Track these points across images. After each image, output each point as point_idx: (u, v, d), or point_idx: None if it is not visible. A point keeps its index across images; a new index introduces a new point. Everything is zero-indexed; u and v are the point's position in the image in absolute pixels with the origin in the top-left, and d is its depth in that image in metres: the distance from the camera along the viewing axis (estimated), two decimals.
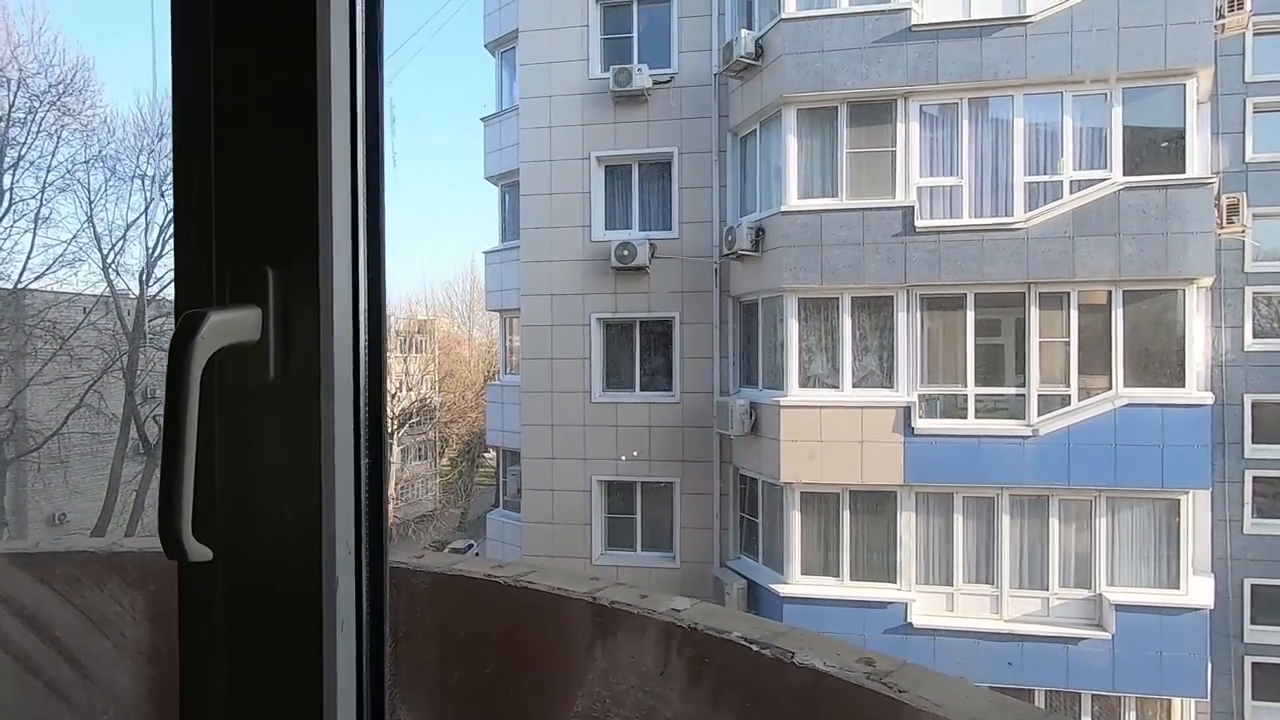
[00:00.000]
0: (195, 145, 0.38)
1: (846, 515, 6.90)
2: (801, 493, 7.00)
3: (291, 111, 0.36)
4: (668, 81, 7.72)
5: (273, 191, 0.37)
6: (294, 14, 0.36)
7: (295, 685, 0.37)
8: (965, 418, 6.74)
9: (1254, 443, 8.59)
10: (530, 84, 8.02)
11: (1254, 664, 8.42)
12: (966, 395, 6.74)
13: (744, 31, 7.11)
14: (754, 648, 0.94)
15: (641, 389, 7.99)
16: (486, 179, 9.03)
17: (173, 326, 0.34)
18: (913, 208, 6.66)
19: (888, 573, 6.80)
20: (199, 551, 0.33)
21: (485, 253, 9.33)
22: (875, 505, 6.91)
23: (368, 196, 0.40)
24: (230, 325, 0.34)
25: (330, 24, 0.37)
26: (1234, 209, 7.20)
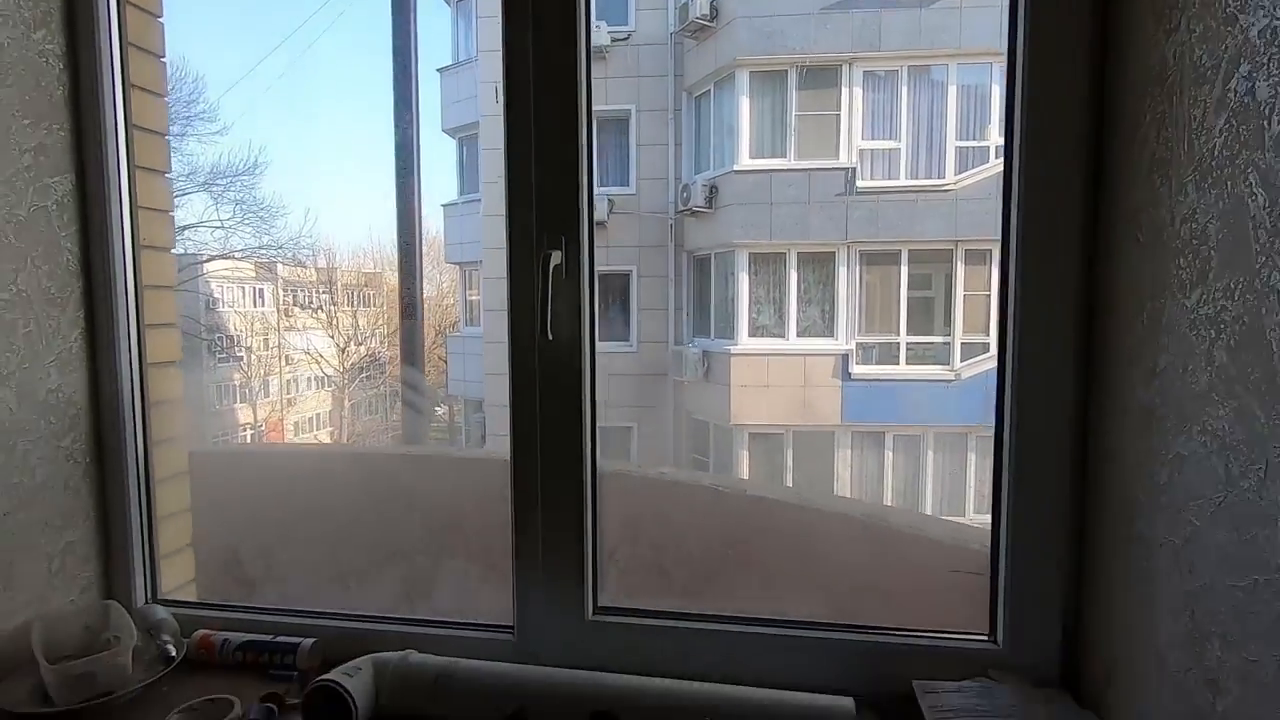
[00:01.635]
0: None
1: (789, 455, 7.71)
2: (750, 434, 7.75)
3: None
4: (625, 39, 8.03)
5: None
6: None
7: None
8: (897, 364, 7.57)
9: None
10: (490, 36, 8.19)
11: None
12: (899, 343, 7.56)
13: None
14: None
15: (600, 339, 8.52)
16: (444, 131, 9.19)
17: None
18: (855, 169, 7.30)
19: None
20: None
21: (444, 206, 9.55)
22: (815, 444, 7.72)
23: None
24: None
25: None
26: None
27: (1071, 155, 0.80)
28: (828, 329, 7.64)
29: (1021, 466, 0.84)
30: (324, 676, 0.84)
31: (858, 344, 7.57)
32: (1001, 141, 0.84)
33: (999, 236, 0.85)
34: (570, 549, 0.94)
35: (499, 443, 8.55)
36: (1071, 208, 0.80)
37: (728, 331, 7.82)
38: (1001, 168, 0.84)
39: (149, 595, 1.08)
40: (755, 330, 7.77)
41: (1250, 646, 0.57)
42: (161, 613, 1.02)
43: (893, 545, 1.30)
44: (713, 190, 7.72)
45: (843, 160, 7.38)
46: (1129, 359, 0.76)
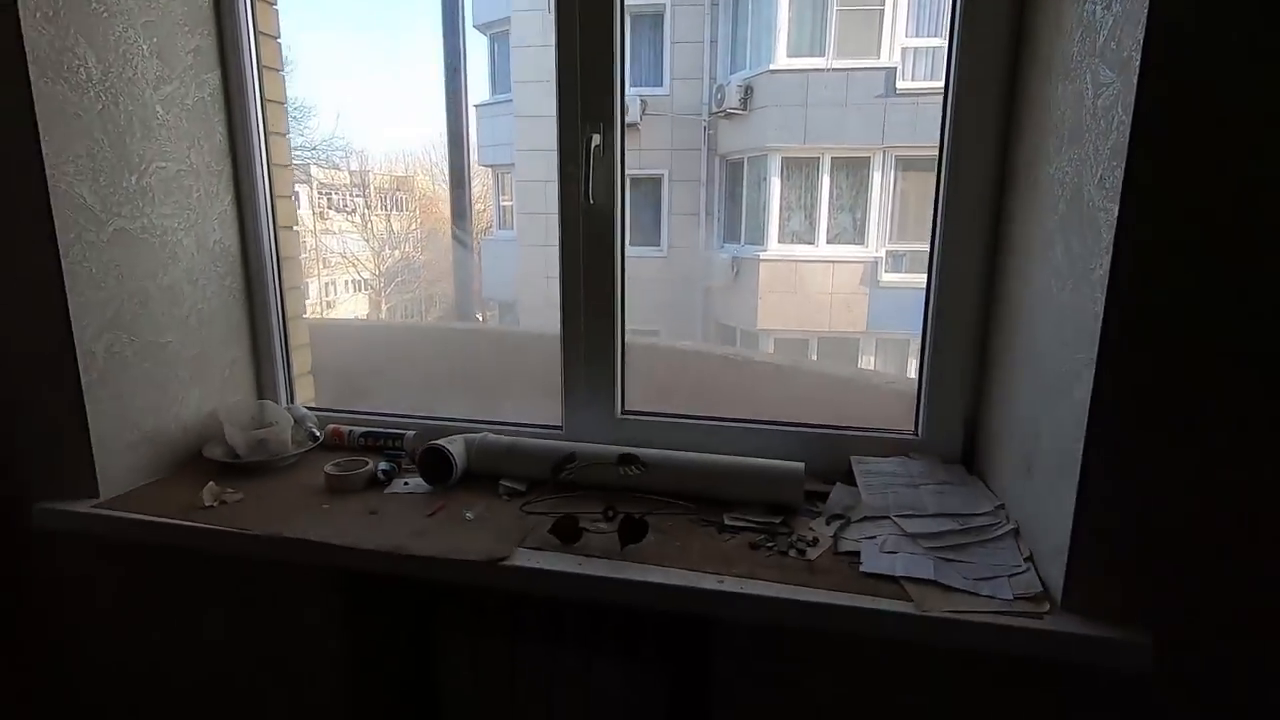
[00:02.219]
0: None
1: (813, 359, 7.99)
2: (775, 339, 8.03)
3: None
4: None
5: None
6: None
7: None
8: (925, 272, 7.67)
9: None
10: None
11: None
12: (929, 252, 7.63)
13: None
14: None
15: (631, 244, 8.72)
16: (475, 27, 9.10)
17: None
18: (896, 69, 7.13)
19: None
20: None
21: (476, 106, 9.58)
22: (839, 350, 7.98)
23: None
24: None
25: None
26: None
27: (996, 61, 1.03)
28: (859, 236, 7.71)
29: (941, 308, 1.13)
30: (432, 442, 1.20)
31: (887, 251, 7.64)
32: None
33: (941, 134, 1.10)
34: (605, 366, 1.27)
35: None
36: (996, 105, 1.05)
37: (758, 237, 7.94)
38: None
39: (289, 400, 1.46)
40: (785, 236, 7.87)
41: (1046, 438, 0.88)
42: (303, 410, 1.40)
43: (864, 391, 1.60)
44: (748, 91, 7.64)
45: (884, 59, 7.20)
46: (1015, 215, 1.02)
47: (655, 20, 8.07)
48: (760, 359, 1.93)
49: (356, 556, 1.00)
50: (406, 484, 1.21)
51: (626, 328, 1.31)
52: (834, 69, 7.28)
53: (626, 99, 1.22)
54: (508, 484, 1.20)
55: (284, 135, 1.44)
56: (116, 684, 1.26)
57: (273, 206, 1.39)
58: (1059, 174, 0.89)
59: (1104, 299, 0.76)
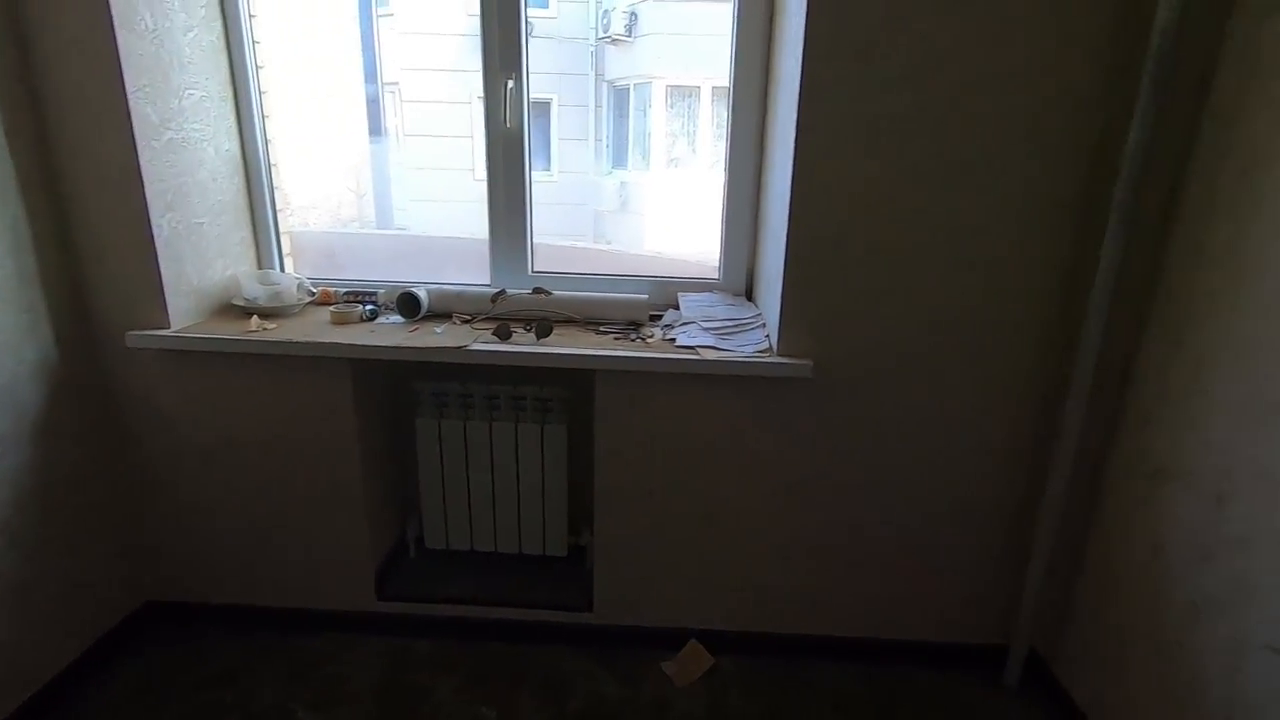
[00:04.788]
0: None
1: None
2: (676, 259, 8.83)
3: None
4: None
5: None
6: None
7: None
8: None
9: None
10: None
11: None
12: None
13: None
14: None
15: None
16: None
17: None
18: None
19: None
20: None
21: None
22: None
23: None
24: None
25: None
26: None
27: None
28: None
29: (730, 198, 1.88)
30: (405, 289, 1.84)
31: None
32: None
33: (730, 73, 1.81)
34: (520, 238, 1.94)
35: None
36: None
37: (644, 163, 8.58)
38: None
39: (281, 270, 2.03)
40: (669, 162, 8.55)
41: (769, 273, 1.66)
42: (298, 276, 1.97)
43: (694, 263, 2.38)
44: (633, 17, 8.09)
45: None
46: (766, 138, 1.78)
47: None
48: (630, 250, 2.65)
49: (370, 351, 1.64)
50: (388, 319, 1.85)
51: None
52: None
53: (532, 25, 1.84)
54: (460, 315, 1.87)
55: (263, 68, 1.95)
56: (191, 461, 1.84)
57: (264, 125, 1.91)
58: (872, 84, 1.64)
59: (789, 203, 1.52)
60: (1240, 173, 1.28)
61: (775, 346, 1.66)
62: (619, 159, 9.25)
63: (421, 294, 1.85)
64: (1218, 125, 1.34)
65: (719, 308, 1.87)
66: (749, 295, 1.96)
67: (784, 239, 1.57)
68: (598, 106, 9.19)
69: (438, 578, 2.01)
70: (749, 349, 1.68)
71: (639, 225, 8.85)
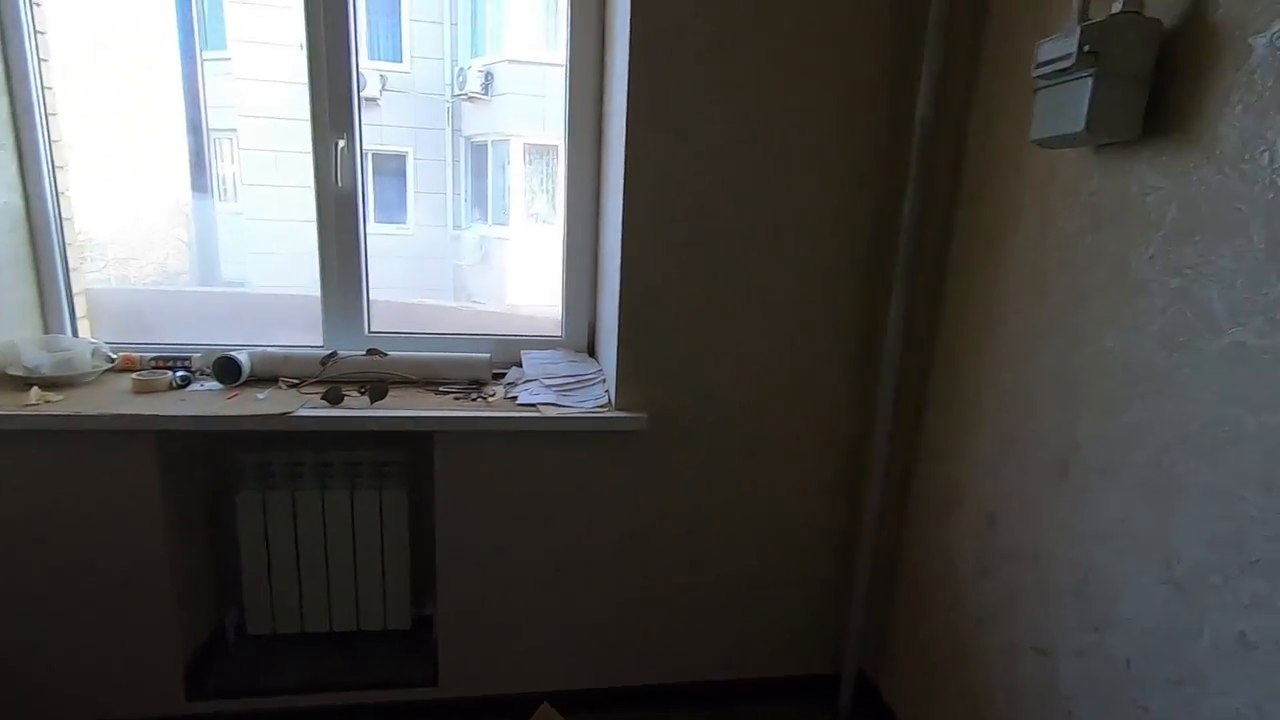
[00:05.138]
0: None
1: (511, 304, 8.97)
2: (523, 315, 8.83)
3: None
4: None
5: None
6: None
7: None
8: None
9: None
10: None
11: None
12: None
13: None
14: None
15: (377, 221, 8.84)
16: None
17: None
18: None
19: None
20: None
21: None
22: None
23: None
24: None
25: None
26: None
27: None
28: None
29: (570, 256, 1.95)
30: (224, 353, 1.72)
31: None
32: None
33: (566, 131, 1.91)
34: (356, 300, 1.89)
35: None
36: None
37: (504, 217, 8.63)
38: None
39: (74, 335, 1.83)
40: (530, 217, 8.66)
41: (606, 329, 1.74)
42: (93, 341, 1.79)
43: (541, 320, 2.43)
44: (489, 77, 8.24)
45: None
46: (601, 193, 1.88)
47: None
48: (479, 307, 2.65)
49: (175, 422, 1.52)
50: (203, 386, 1.72)
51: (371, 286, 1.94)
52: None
53: (365, 80, 1.84)
54: (287, 379, 1.77)
55: (58, 115, 1.79)
56: None
57: (55, 175, 1.75)
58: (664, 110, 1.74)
59: (620, 265, 1.61)
60: (987, 243, 1.53)
61: (614, 401, 1.73)
62: (479, 213, 9.25)
63: (242, 358, 1.74)
64: (968, 203, 1.60)
65: (561, 364, 1.92)
66: (591, 351, 2.03)
67: (618, 297, 1.66)
68: (455, 161, 9.19)
69: (262, 667, 1.84)
70: (589, 404, 1.73)
71: (500, 279, 8.84)
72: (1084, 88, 1.11)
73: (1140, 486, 1.15)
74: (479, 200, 9.21)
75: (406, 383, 1.81)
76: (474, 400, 1.74)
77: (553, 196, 8.85)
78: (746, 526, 1.84)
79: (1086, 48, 1.08)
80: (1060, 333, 1.32)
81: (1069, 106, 1.14)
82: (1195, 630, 1.05)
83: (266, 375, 1.79)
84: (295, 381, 1.77)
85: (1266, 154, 0.96)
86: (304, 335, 1.98)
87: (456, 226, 9.24)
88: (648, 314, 1.67)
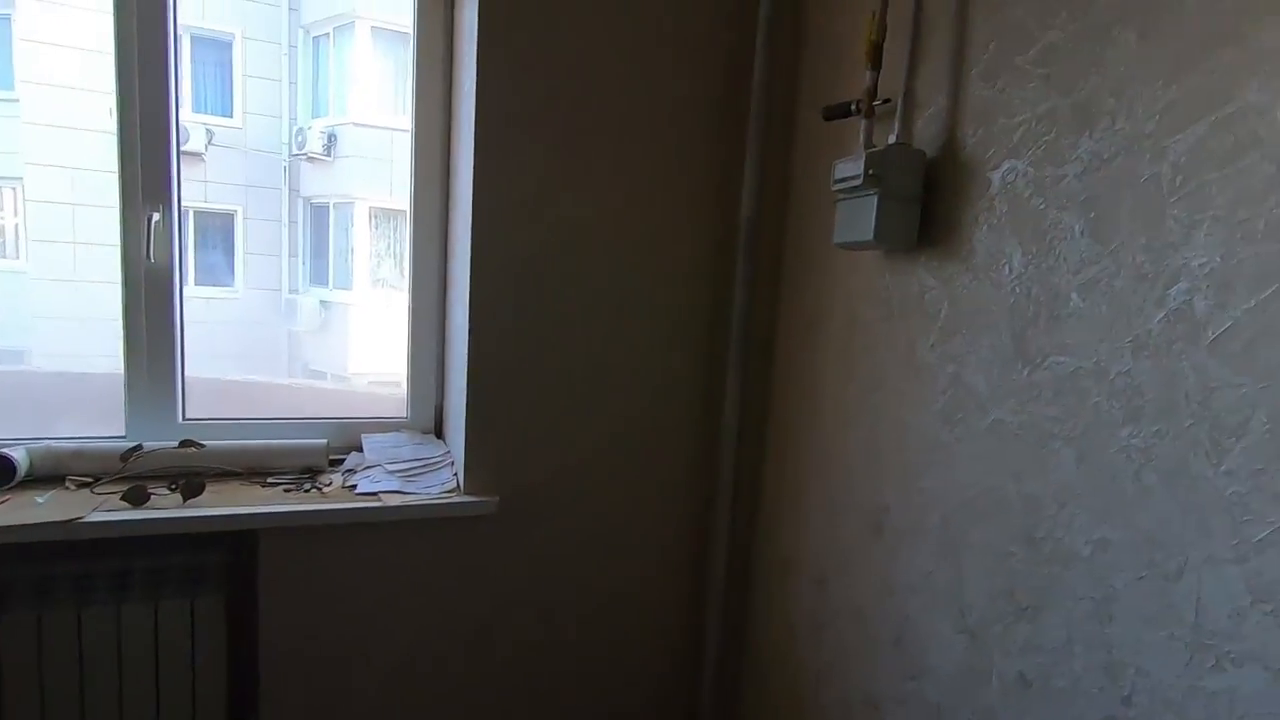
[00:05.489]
0: None
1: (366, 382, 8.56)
2: (369, 382, 8.36)
3: None
4: None
5: None
6: None
7: None
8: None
9: None
10: None
11: None
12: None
13: None
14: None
15: (200, 283, 8.09)
16: None
17: None
18: None
19: None
20: None
21: None
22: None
23: None
24: None
25: None
26: None
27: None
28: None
29: (415, 335, 1.92)
30: None
31: None
32: None
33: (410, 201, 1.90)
34: (167, 385, 1.72)
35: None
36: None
37: (346, 281, 8.24)
38: None
39: None
40: (375, 282, 8.34)
41: (453, 412, 1.72)
42: None
43: (386, 398, 2.34)
44: (331, 138, 7.98)
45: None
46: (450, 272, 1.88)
47: (221, 45, 7.83)
48: (317, 384, 2.50)
49: None
50: None
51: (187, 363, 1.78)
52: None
53: (188, 133, 1.72)
54: (76, 478, 1.56)
55: None
56: None
57: None
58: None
59: (468, 344, 1.62)
60: (805, 329, 1.71)
61: (462, 484, 1.69)
62: (318, 277, 8.73)
63: (18, 454, 1.51)
64: (789, 293, 1.79)
65: (405, 448, 1.85)
66: (439, 432, 1.98)
67: (466, 377, 1.65)
68: (293, 222, 8.67)
69: None
70: (436, 489, 1.68)
71: (341, 346, 8.32)
72: (871, 204, 1.30)
73: (938, 545, 1.31)
74: (319, 263, 8.72)
75: (228, 475, 1.66)
76: (307, 491, 1.63)
77: (400, 261, 8.59)
78: (599, 606, 1.85)
79: (871, 171, 1.29)
80: (867, 409, 1.50)
81: (861, 218, 1.33)
82: (986, 674, 1.20)
83: (52, 474, 1.56)
84: (89, 480, 1.56)
85: (1007, 266, 1.18)
86: (101, 423, 1.76)
87: (292, 290, 8.65)
88: (497, 394, 1.67)
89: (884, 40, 1.37)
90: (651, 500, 1.86)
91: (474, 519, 1.68)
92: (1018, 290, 1.16)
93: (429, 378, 1.96)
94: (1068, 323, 1.08)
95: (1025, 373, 1.15)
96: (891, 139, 1.33)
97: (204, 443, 1.65)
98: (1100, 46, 1.04)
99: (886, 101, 1.39)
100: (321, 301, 8.32)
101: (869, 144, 1.39)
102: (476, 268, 1.62)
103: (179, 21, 1.65)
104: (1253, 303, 0.86)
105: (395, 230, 8.38)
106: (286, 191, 8.43)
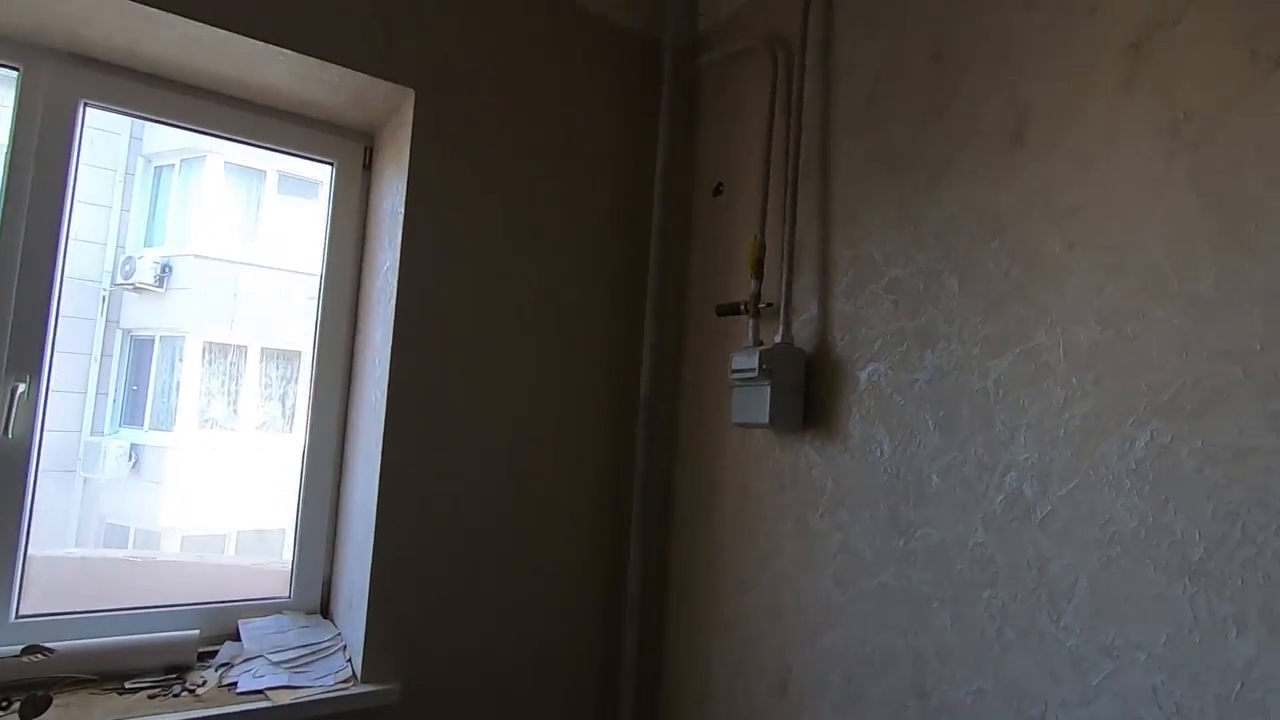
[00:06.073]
0: None
1: (233, 553, 7.58)
2: (182, 537, 7.35)
3: None
4: None
5: None
6: None
7: None
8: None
9: None
10: None
11: None
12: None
13: None
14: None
15: None
16: None
17: None
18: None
19: None
20: None
21: None
22: (261, 544, 7.82)
23: None
24: None
25: None
26: None
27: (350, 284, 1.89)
28: (288, 425, 8.02)
29: (307, 503, 1.84)
30: None
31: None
32: None
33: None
34: (3, 572, 1.50)
35: None
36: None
37: (167, 422, 7.43)
38: None
39: None
40: (204, 422, 7.59)
41: (348, 588, 1.67)
42: None
43: (260, 572, 2.13)
44: (165, 269, 7.48)
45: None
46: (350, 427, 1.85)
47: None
48: (165, 558, 2.24)
49: None
50: None
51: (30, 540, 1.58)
52: (264, 265, 7.86)
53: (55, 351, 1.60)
54: None
55: None
56: None
57: None
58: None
59: (373, 528, 1.60)
60: (703, 497, 1.88)
61: (358, 672, 1.59)
62: (131, 417, 7.76)
63: None
64: (687, 465, 1.96)
65: (291, 633, 1.71)
66: (326, 611, 1.85)
67: (370, 555, 1.61)
68: (106, 356, 7.78)
69: None
70: (329, 680, 1.57)
71: (155, 496, 7.28)
72: (765, 392, 1.54)
73: (841, 701, 1.44)
74: (134, 402, 7.79)
75: (79, 683, 1.44)
76: (177, 696, 1.45)
77: (234, 399, 7.91)
78: None
79: (764, 366, 1.53)
80: (766, 572, 1.65)
81: (756, 404, 1.56)
82: None
83: None
84: None
85: (878, 449, 1.43)
86: None
87: (96, 432, 7.58)
88: (404, 575, 1.64)
89: (764, 256, 1.68)
90: (564, 679, 1.84)
91: (375, 711, 1.57)
92: (889, 470, 1.41)
93: (318, 555, 1.86)
94: (931, 501, 1.33)
95: (901, 542, 1.36)
96: (777, 339, 1.60)
97: (51, 646, 1.44)
98: (934, 286, 1.37)
99: (769, 305, 1.67)
100: (131, 445, 7.38)
101: (757, 339, 1.65)
102: (387, 456, 1.63)
103: None
104: (1064, 491, 1.14)
105: (233, 367, 7.80)
106: (103, 323, 7.65)
